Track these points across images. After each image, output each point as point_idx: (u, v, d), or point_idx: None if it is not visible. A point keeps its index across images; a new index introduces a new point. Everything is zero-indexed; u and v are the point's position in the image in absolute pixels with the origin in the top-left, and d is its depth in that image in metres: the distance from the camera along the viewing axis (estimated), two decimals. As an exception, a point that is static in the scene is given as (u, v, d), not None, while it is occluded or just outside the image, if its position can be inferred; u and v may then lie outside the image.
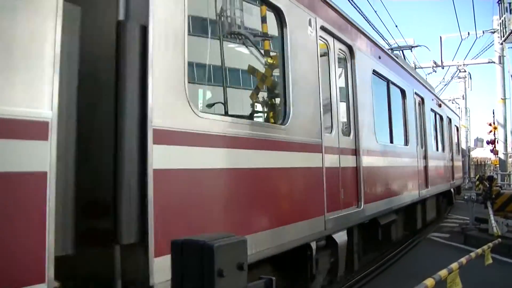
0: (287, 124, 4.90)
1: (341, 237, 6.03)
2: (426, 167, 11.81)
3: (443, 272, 5.11)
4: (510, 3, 21.39)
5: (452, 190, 17.27)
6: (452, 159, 17.57)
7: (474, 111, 62.78)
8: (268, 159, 4.55)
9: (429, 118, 13.25)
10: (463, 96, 39.38)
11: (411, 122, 10.64)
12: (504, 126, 27.49)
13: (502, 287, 7.56)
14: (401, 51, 16.30)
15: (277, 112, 5.28)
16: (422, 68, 30.41)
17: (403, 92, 10.36)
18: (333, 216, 5.78)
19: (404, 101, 10.43)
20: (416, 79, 12.31)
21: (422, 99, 12.43)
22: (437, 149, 14.65)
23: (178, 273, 2.40)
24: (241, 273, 2.39)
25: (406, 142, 10.14)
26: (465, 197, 13.65)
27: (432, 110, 14.02)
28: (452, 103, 37.82)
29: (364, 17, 17.90)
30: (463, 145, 37.86)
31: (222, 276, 2.25)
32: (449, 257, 6.82)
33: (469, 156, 40.23)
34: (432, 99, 14.47)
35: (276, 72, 5.30)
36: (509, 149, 30.61)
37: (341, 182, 6.26)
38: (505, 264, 8.82)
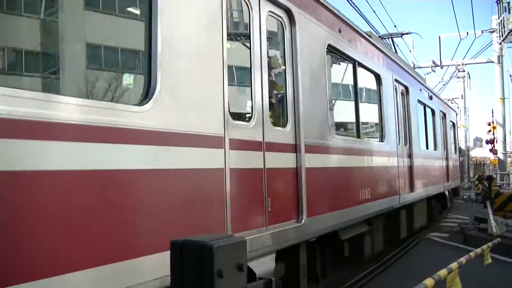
0: (147, 105, 3.35)
1: (263, 265, 4.47)
2: (411, 168, 10.27)
3: (442, 272, 5.12)
4: (508, 3, 21.44)
5: (446, 192, 15.55)
6: (447, 158, 15.78)
7: (473, 111, 62.83)
8: (96, 156, 2.97)
9: (416, 111, 11.53)
10: (462, 96, 39.46)
11: (389, 114, 9.02)
12: (503, 126, 27.51)
13: (502, 287, 7.57)
14: (391, 40, 14.89)
15: (128, 88, 3.79)
16: (421, 67, 30.44)
17: (378, 78, 8.67)
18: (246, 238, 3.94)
19: (379, 89, 8.70)
20: (397, 64, 10.30)
21: (406, 88, 10.66)
22: (427, 147, 12.92)
23: (177, 273, 2.39)
24: (240, 273, 2.39)
25: (382, 138, 8.63)
26: (465, 197, 13.66)
27: (420, 102, 12.32)
28: (451, 102, 37.85)
29: (362, 17, 17.89)
30: (462, 145, 37.95)
31: (222, 276, 2.25)
32: (449, 257, 6.82)
33: (468, 155, 40.29)
34: (420, 90, 12.61)
35: (129, 32, 3.84)
36: (508, 149, 30.70)
37: (267, 189, 4.66)
38: (504, 263, 8.82)
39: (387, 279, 8.09)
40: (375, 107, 8.80)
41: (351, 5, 12.89)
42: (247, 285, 2.48)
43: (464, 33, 28.01)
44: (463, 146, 38.63)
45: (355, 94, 7.73)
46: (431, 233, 12.78)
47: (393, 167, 9.06)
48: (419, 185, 10.92)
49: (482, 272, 7.33)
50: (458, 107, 41.61)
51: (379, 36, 14.17)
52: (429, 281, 4.65)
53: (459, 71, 34.86)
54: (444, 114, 16.46)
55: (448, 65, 32.71)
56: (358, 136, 7.59)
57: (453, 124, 19.47)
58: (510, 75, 27.45)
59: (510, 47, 26.64)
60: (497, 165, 28.45)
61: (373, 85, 8.76)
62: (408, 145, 10.38)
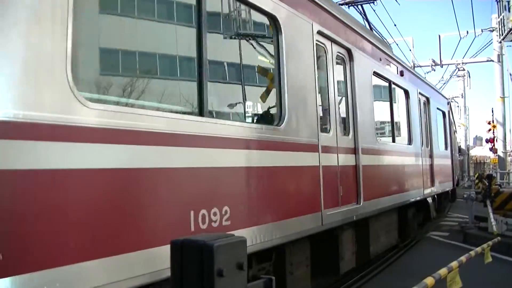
0: None
1: None
2: (356, 168, 7.05)
3: (443, 271, 5.11)
4: (508, 2, 21.41)
5: (429, 199, 11.94)
6: (431, 156, 12.23)
7: (473, 110, 62.90)
8: None
9: (369, 87, 8.03)
10: (462, 95, 39.55)
11: (298, 82, 5.58)
12: (503, 125, 27.54)
13: (502, 285, 7.57)
14: (359, 7, 11.91)
15: None
16: (421, 66, 30.50)
17: (273, 21, 5.20)
18: None
19: (278, 39, 5.22)
20: (327, 11, 6.60)
21: (348, 51, 7.16)
22: (394, 140, 9.51)
23: (177, 273, 2.39)
24: (240, 272, 2.39)
25: (279, 121, 5.17)
26: (465, 196, 13.67)
27: (379, 76, 8.75)
28: (451, 101, 37.93)
29: (362, 16, 17.86)
30: (463, 144, 37.99)
31: (222, 275, 2.25)
32: (449, 256, 6.82)
33: (468, 154, 40.35)
34: (380, 59, 8.85)
35: None
36: (508, 147, 30.74)
37: None
38: (504, 262, 8.83)
39: (387, 278, 8.09)
40: (263, 66, 5.67)
41: (350, 4, 12.87)
42: (247, 284, 2.48)
43: (464, 32, 28.10)
44: (463, 145, 38.69)
45: (198, 36, 4.14)
46: (431, 232, 12.77)
47: (307, 169, 5.66)
48: (375, 193, 7.71)
49: (483, 271, 7.33)
50: (458, 106, 41.73)
51: (345, 3, 11.63)
52: (429, 280, 4.64)
53: (459, 70, 34.94)
54: (427, 99, 12.66)
55: (448, 64, 32.85)
56: (201, 113, 4.09)
57: (443, 113, 15.62)
58: (510, 74, 27.45)
59: (510, 46, 26.63)
60: (497, 164, 28.50)
61: (257, 31, 5.49)
62: (352, 136, 7.11)
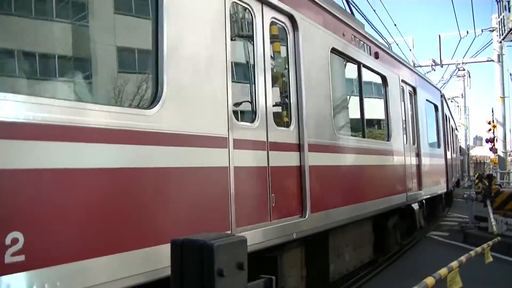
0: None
1: None
2: (300, 170, 5.40)
3: (443, 271, 5.12)
4: (508, 2, 21.42)
5: (415, 206, 10.20)
6: (418, 155, 10.63)
7: (473, 110, 63.00)
8: None
9: (325, 68, 6.31)
10: (462, 95, 39.59)
11: (189, 51, 4.00)
12: (503, 125, 27.55)
13: (502, 285, 7.57)
14: None
15: None
16: (421, 66, 30.51)
17: None
18: None
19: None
20: None
21: (291, 18, 5.54)
22: (364, 135, 7.77)
23: (177, 272, 2.39)
24: (240, 272, 2.38)
25: (152, 103, 3.61)
26: (465, 196, 13.67)
27: (341, 55, 7.10)
28: (451, 101, 37.95)
29: (363, 16, 17.88)
30: (463, 143, 38.00)
31: (222, 275, 2.25)
32: (449, 256, 6.82)
33: (468, 154, 40.38)
34: (344, 34, 7.07)
35: None
36: (508, 147, 30.76)
37: None
38: (504, 262, 8.82)
39: (387, 277, 8.08)
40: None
41: (350, 3, 12.86)
42: (247, 284, 2.48)
43: (464, 32, 28.13)
44: (463, 145, 38.72)
45: None
46: (431, 232, 12.78)
47: (204, 172, 4.04)
48: (331, 201, 6.16)
49: (483, 270, 7.33)
50: (458, 106, 41.80)
51: None
52: (429, 280, 4.64)
53: (459, 70, 34.98)
54: (414, 88, 10.87)
55: (448, 64, 32.88)
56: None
57: (435, 107, 13.87)
58: (510, 74, 27.47)
59: (510, 45, 26.64)
60: (497, 163, 28.53)
61: None
62: (294, 128, 5.44)
